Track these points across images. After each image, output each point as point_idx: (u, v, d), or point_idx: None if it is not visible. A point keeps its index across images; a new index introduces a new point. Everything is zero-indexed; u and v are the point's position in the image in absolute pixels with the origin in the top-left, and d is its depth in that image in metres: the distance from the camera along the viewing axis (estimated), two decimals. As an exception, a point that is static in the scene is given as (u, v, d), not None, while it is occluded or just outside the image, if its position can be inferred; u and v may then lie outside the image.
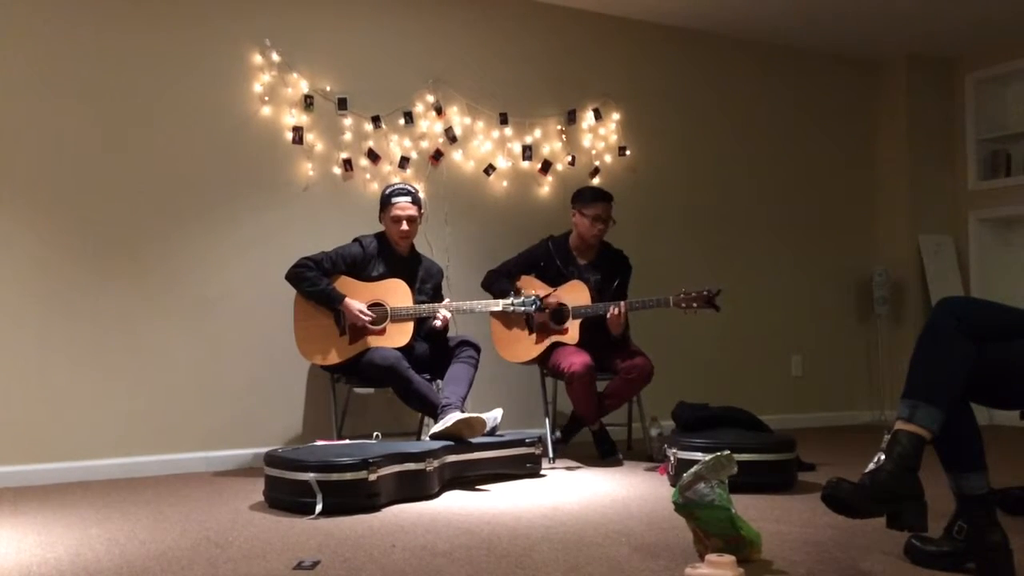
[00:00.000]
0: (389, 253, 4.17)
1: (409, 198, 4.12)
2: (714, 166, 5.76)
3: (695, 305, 4.13)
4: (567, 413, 4.79)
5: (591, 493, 3.47)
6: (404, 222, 4.10)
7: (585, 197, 4.43)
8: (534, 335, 4.35)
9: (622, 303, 4.19)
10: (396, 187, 4.17)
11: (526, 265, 4.50)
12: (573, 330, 4.26)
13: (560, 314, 4.31)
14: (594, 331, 4.29)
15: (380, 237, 4.20)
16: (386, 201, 4.13)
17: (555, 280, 4.40)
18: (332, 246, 4.16)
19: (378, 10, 4.80)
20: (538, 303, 4.09)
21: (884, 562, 2.37)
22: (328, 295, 4.00)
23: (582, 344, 4.22)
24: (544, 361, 4.36)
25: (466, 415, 3.68)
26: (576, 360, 4.09)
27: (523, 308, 4.10)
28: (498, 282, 4.43)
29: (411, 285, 4.11)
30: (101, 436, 4.06)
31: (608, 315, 4.17)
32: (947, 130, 6.36)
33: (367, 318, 3.98)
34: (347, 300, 3.99)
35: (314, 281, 4.00)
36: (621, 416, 4.75)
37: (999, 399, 2.39)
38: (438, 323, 4.04)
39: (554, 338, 4.29)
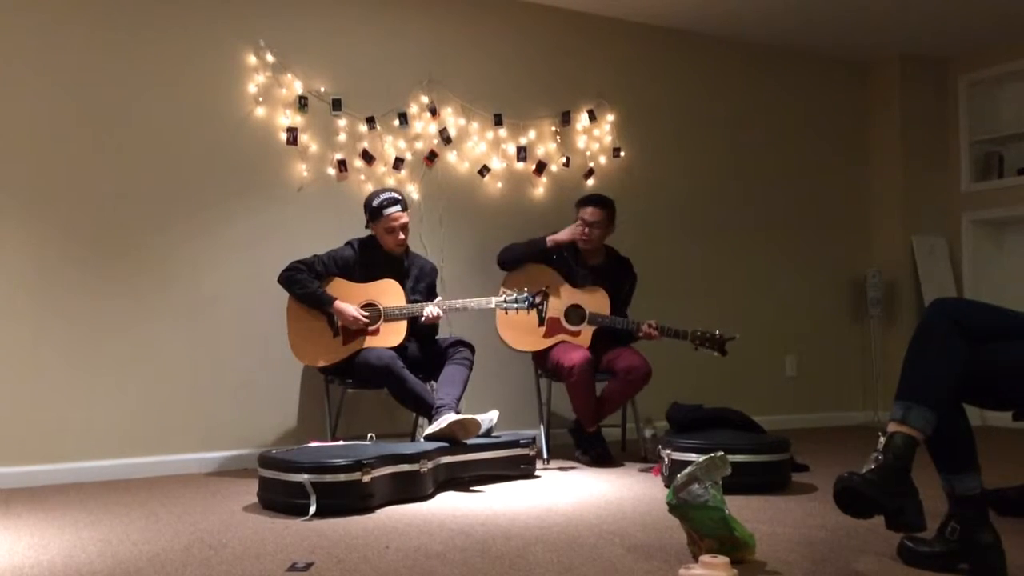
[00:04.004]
0: (382, 254, 4.17)
1: (400, 207, 4.09)
2: (708, 167, 5.77)
3: (707, 345, 4.17)
4: (561, 414, 4.79)
5: (585, 494, 3.47)
6: (400, 232, 4.10)
7: (581, 200, 4.49)
8: (543, 328, 4.34)
9: (653, 322, 4.23)
10: (384, 197, 4.10)
11: (542, 253, 4.49)
12: (586, 335, 4.28)
13: (576, 315, 4.31)
14: (601, 338, 4.31)
15: (372, 239, 4.19)
16: (377, 213, 4.08)
17: (564, 274, 4.42)
18: (326, 247, 4.16)
19: (373, 11, 4.80)
20: (531, 300, 4.08)
21: (877, 563, 2.37)
22: (319, 298, 3.99)
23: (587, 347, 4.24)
24: (541, 358, 4.36)
25: (460, 416, 3.67)
26: (576, 356, 4.10)
27: (516, 306, 4.09)
28: (519, 246, 4.44)
29: (404, 285, 4.11)
30: (94, 437, 4.05)
31: (641, 334, 4.23)
32: (940, 131, 6.38)
33: (363, 321, 3.97)
34: (338, 303, 3.98)
35: (305, 284, 4.00)
36: (615, 417, 4.75)
37: (992, 400, 2.40)
38: (423, 319, 4.02)
39: (564, 337, 4.30)
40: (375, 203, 4.11)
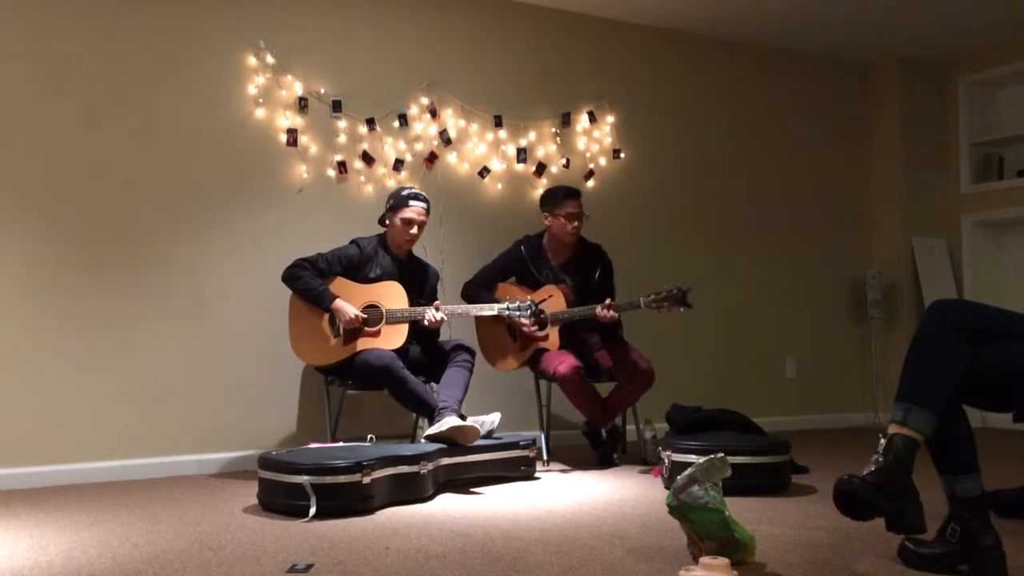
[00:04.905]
0: (386, 255, 4.17)
1: (425, 205, 4.13)
2: (708, 169, 5.77)
3: (666, 304, 4.11)
4: (562, 416, 4.79)
5: (585, 495, 3.47)
6: (416, 226, 4.10)
7: (556, 197, 4.40)
8: (518, 342, 4.34)
9: (607, 301, 4.16)
10: (413, 190, 4.16)
11: (502, 271, 4.47)
12: (553, 336, 4.25)
13: (542, 320, 4.29)
14: (577, 334, 4.29)
15: (378, 239, 4.20)
16: (402, 202, 4.10)
17: (531, 284, 4.39)
18: (327, 248, 4.15)
19: (373, 12, 4.80)
20: (533, 308, 4.08)
21: (877, 564, 2.37)
22: (319, 295, 3.99)
23: (565, 348, 4.22)
24: (535, 365, 4.36)
25: (460, 423, 3.66)
26: (561, 364, 4.08)
27: (518, 313, 4.09)
28: (478, 294, 4.39)
29: (407, 287, 4.11)
30: (94, 439, 4.05)
31: (598, 318, 4.16)
32: (940, 133, 6.38)
33: (361, 321, 3.97)
34: (338, 302, 3.98)
35: (307, 281, 4.00)
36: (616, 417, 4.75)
37: (992, 401, 2.40)
38: (426, 323, 4.02)
39: (536, 345, 4.29)
40: (404, 192, 4.14)
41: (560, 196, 4.39)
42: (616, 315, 4.17)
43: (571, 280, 4.38)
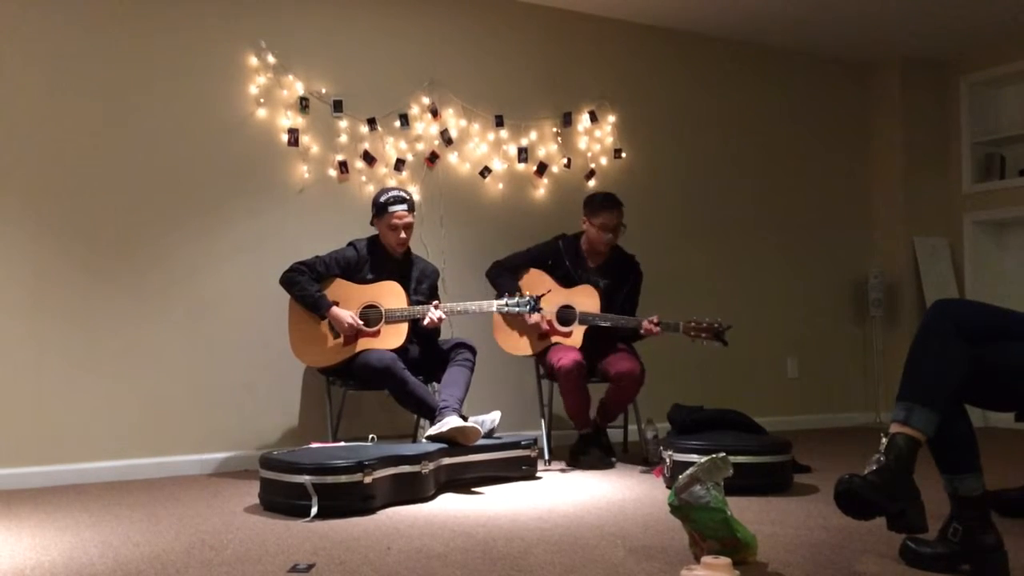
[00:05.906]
0: (384, 255, 4.17)
1: (406, 206, 4.09)
2: (710, 168, 5.77)
3: (703, 335, 4.13)
4: (563, 416, 4.78)
5: (586, 495, 3.47)
6: (402, 231, 4.09)
7: (593, 205, 4.40)
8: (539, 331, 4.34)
9: (655, 318, 4.17)
10: (392, 194, 4.12)
11: (536, 261, 4.48)
12: (577, 334, 4.26)
13: (567, 315, 4.30)
14: (595, 337, 4.29)
15: (375, 240, 4.20)
16: (383, 209, 4.09)
17: (564, 280, 4.40)
18: (328, 248, 4.15)
19: (374, 12, 4.80)
20: (532, 303, 4.08)
21: (879, 564, 2.37)
22: (316, 302, 3.98)
23: (582, 347, 4.22)
24: (542, 359, 4.36)
25: (462, 424, 3.66)
26: (566, 357, 4.09)
27: (518, 309, 4.09)
28: (503, 276, 4.41)
29: (406, 286, 4.11)
30: (95, 439, 4.05)
31: (643, 331, 4.18)
32: (941, 133, 6.38)
33: (357, 327, 3.97)
34: (334, 310, 3.98)
35: (304, 286, 3.99)
36: (617, 418, 4.75)
37: (993, 401, 2.40)
38: (426, 322, 4.01)
39: (556, 339, 4.29)
40: (383, 199, 4.10)
41: (597, 204, 4.38)
42: (658, 332, 4.18)
43: (604, 284, 4.38)
